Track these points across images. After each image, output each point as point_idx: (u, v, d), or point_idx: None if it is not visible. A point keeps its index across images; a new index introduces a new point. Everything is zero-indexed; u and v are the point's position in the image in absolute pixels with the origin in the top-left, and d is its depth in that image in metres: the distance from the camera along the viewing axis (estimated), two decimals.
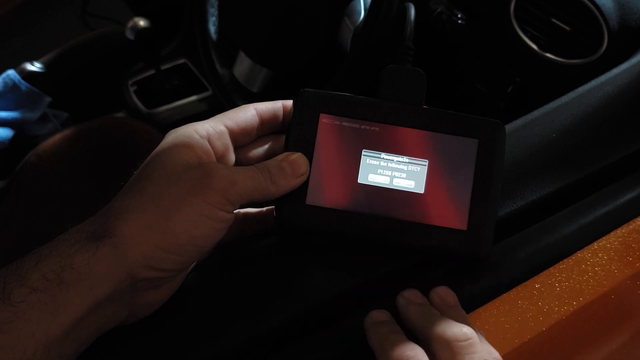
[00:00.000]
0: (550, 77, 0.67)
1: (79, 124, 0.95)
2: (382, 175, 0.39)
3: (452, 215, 0.39)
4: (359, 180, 0.39)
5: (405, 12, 0.47)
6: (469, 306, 0.40)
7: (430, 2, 0.70)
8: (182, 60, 1.14)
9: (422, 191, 0.39)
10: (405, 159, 0.40)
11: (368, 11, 0.64)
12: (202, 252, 0.36)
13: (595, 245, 0.43)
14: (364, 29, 0.64)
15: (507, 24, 0.68)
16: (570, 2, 0.64)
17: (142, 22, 1.03)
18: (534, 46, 0.67)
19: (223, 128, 0.39)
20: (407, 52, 0.44)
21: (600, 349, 0.40)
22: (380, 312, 0.37)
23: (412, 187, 0.39)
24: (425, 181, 0.39)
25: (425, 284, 0.41)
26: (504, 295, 0.41)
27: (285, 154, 0.39)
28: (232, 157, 0.40)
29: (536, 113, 0.47)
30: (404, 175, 0.39)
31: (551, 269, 0.41)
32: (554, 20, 0.65)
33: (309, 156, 0.39)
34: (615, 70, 0.50)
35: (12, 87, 0.95)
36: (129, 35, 1.03)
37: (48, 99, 0.98)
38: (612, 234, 0.44)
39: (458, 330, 0.34)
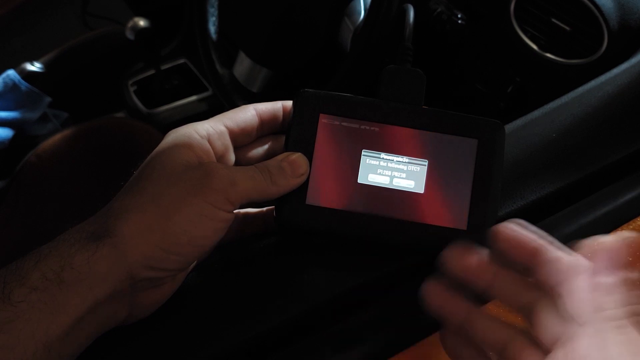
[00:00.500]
0: (550, 77, 0.67)
1: (79, 124, 0.95)
2: (382, 175, 0.39)
3: (452, 215, 0.39)
4: (359, 180, 0.39)
5: (405, 13, 0.47)
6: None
7: (430, 2, 0.70)
8: (182, 60, 1.14)
9: (422, 191, 0.39)
10: (405, 159, 0.40)
11: (368, 11, 0.64)
12: (202, 252, 0.36)
13: None
14: (364, 29, 0.64)
15: (507, 24, 0.68)
16: (570, 2, 0.64)
17: (142, 22, 1.03)
18: (534, 46, 0.67)
19: (223, 128, 0.39)
20: (406, 52, 0.44)
21: None
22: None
23: (411, 187, 0.39)
24: (425, 181, 0.39)
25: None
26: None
27: (285, 154, 0.39)
28: (232, 157, 0.40)
29: (536, 113, 0.47)
30: (403, 175, 0.39)
31: None
32: (554, 20, 0.65)
33: (309, 156, 0.39)
34: (615, 70, 0.50)
35: (12, 87, 0.95)
36: (129, 35, 1.03)
37: (48, 99, 0.98)
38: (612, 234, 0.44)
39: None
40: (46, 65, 1.03)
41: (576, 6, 0.64)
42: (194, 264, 0.40)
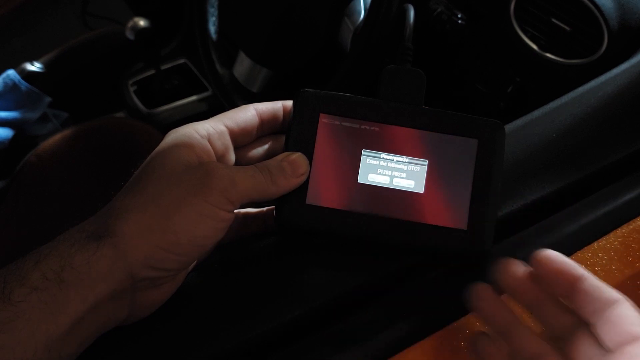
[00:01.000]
0: (550, 77, 0.67)
1: (79, 124, 0.95)
2: (382, 175, 0.39)
3: (451, 214, 0.39)
4: (359, 180, 0.39)
5: (405, 13, 0.47)
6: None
7: (430, 2, 0.70)
8: (182, 60, 1.14)
9: (422, 191, 0.39)
10: (405, 158, 0.40)
11: (368, 11, 0.64)
12: (202, 251, 0.36)
13: (595, 245, 0.43)
14: (364, 29, 0.64)
15: (507, 24, 0.68)
16: (570, 2, 0.64)
17: (142, 22, 1.03)
18: (534, 46, 0.67)
19: (223, 128, 0.39)
20: (406, 52, 0.44)
21: None
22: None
23: (412, 186, 0.39)
24: (425, 181, 0.39)
25: (425, 284, 0.41)
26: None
27: (285, 153, 0.39)
28: (232, 157, 0.40)
29: (536, 113, 0.47)
30: (403, 175, 0.39)
31: None
32: (554, 20, 0.65)
33: (309, 156, 0.39)
34: (615, 70, 0.50)
35: (12, 87, 0.95)
36: (129, 35, 1.03)
37: (48, 99, 0.98)
38: (612, 234, 0.44)
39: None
40: (46, 65, 1.03)
41: (576, 6, 0.64)
42: (194, 263, 0.40)
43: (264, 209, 0.44)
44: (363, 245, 0.40)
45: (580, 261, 0.43)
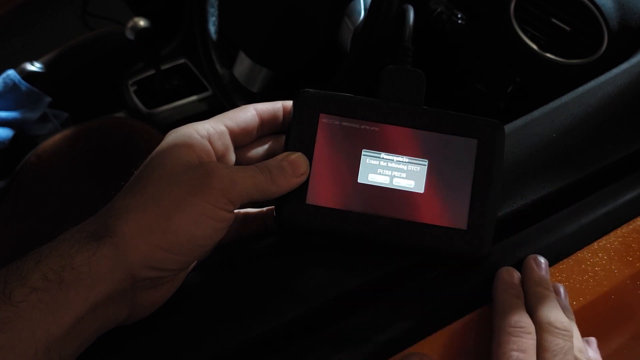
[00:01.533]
0: (550, 77, 0.67)
1: (79, 124, 0.95)
2: (382, 175, 0.39)
3: (451, 214, 0.39)
4: (359, 180, 0.39)
5: (405, 13, 0.47)
6: (469, 306, 0.40)
7: (430, 2, 0.70)
8: (182, 60, 1.14)
9: (422, 191, 0.39)
10: (405, 158, 0.40)
11: (368, 11, 0.64)
12: (202, 251, 0.36)
13: (595, 245, 0.43)
14: (364, 29, 0.64)
15: (507, 24, 0.68)
16: (570, 2, 0.64)
17: (142, 22, 1.03)
18: (534, 46, 0.67)
19: (223, 128, 0.39)
20: (406, 52, 0.44)
21: (600, 349, 0.40)
22: (511, 273, 0.40)
23: (411, 186, 0.39)
24: (425, 181, 0.39)
25: (425, 284, 0.41)
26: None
27: (285, 153, 0.39)
28: (232, 157, 0.40)
29: (536, 113, 0.47)
30: (403, 175, 0.39)
31: (551, 269, 0.41)
32: (554, 20, 0.65)
33: (309, 156, 0.39)
34: (615, 70, 0.50)
35: (12, 87, 0.95)
36: (129, 35, 1.03)
37: (48, 99, 0.98)
38: (612, 234, 0.44)
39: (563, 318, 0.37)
40: (46, 65, 1.03)
41: (576, 6, 0.64)
42: (194, 263, 0.40)
43: (264, 209, 0.44)
44: (363, 245, 0.40)
45: (580, 261, 0.43)
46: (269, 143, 0.42)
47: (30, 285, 0.31)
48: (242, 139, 0.40)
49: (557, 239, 0.43)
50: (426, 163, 0.39)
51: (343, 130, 0.40)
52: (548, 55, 0.67)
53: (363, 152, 0.40)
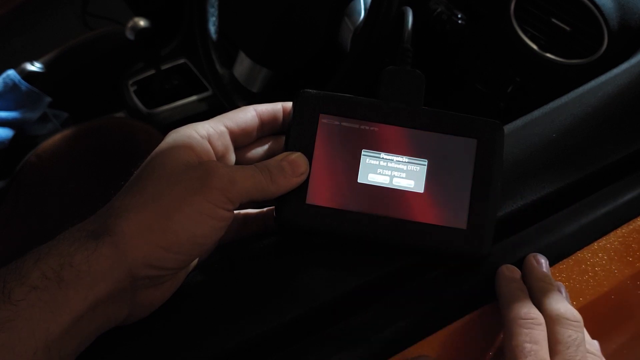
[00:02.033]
0: (550, 77, 0.67)
1: (79, 124, 0.95)
2: (382, 174, 0.39)
3: (451, 214, 0.39)
4: (359, 180, 0.39)
5: (403, 16, 0.47)
6: (469, 306, 0.40)
7: (430, 2, 0.70)
8: (182, 60, 1.14)
9: (421, 190, 0.39)
10: (404, 158, 0.40)
11: (368, 11, 0.64)
12: (202, 250, 0.36)
13: (595, 245, 0.43)
14: (364, 29, 0.64)
15: (507, 24, 0.68)
16: (570, 2, 0.64)
17: (142, 22, 1.03)
18: (534, 46, 0.67)
19: (223, 128, 0.39)
20: (406, 53, 0.44)
21: (601, 349, 0.40)
22: (512, 270, 0.41)
23: (411, 186, 0.39)
24: (425, 181, 0.39)
25: (425, 284, 0.41)
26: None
27: (285, 153, 0.39)
28: (232, 158, 0.40)
29: (536, 113, 0.47)
30: (403, 174, 0.39)
31: (551, 269, 0.41)
32: (554, 20, 0.65)
33: (309, 156, 0.39)
34: (615, 70, 0.50)
35: (12, 87, 0.95)
36: (129, 35, 1.03)
37: (48, 99, 0.98)
38: (612, 234, 0.44)
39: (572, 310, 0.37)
40: (46, 65, 1.03)
41: (576, 6, 0.64)
42: (195, 263, 0.40)
43: (264, 209, 0.44)
44: (363, 245, 0.40)
45: (580, 261, 0.43)
46: (269, 144, 0.42)
47: (30, 284, 0.31)
48: (242, 140, 0.40)
49: (557, 239, 0.43)
50: (426, 163, 0.39)
51: (343, 130, 0.40)
52: (548, 55, 0.67)
53: (363, 152, 0.40)
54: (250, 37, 0.80)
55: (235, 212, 0.37)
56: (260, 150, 0.42)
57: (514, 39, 0.68)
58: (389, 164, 0.39)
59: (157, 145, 0.37)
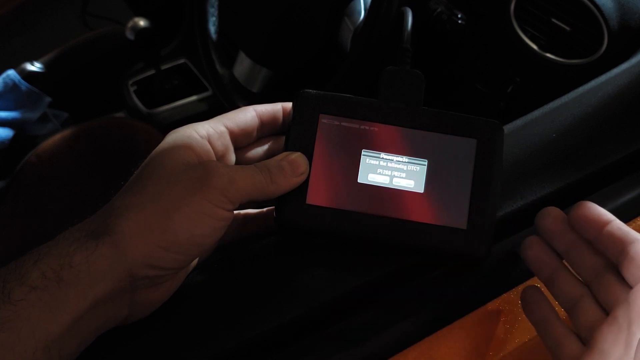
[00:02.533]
0: (550, 77, 0.67)
1: (79, 124, 0.95)
2: (382, 174, 0.39)
3: (451, 214, 0.39)
4: (359, 180, 0.39)
5: (403, 16, 0.47)
6: (468, 306, 0.40)
7: (430, 2, 0.70)
8: (182, 60, 1.14)
9: (421, 190, 0.39)
10: (404, 158, 0.40)
11: (368, 11, 0.64)
12: (202, 250, 0.36)
13: None
14: (364, 29, 0.64)
15: (507, 24, 0.68)
16: (570, 2, 0.64)
17: (142, 22, 1.03)
18: (534, 46, 0.67)
19: (223, 129, 0.39)
20: (405, 53, 0.44)
21: None
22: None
23: (411, 186, 0.39)
24: (425, 181, 0.39)
25: (425, 284, 0.41)
26: (504, 295, 0.41)
27: (285, 153, 0.39)
28: (232, 158, 0.40)
29: (536, 113, 0.47)
30: (403, 174, 0.39)
31: None
32: (554, 20, 0.65)
33: (309, 156, 0.39)
34: (615, 70, 0.50)
35: (12, 87, 0.95)
36: (129, 35, 1.03)
37: (48, 99, 0.98)
38: None
39: None
40: (46, 65, 1.03)
41: (576, 6, 0.64)
42: (195, 263, 0.40)
43: (264, 209, 0.44)
44: (363, 245, 0.40)
45: None
46: (269, 144, 0.42)
47: (29, 284, 0.31)
48: (242, 140, 0.41)
49: None
50: (426, 163, 0.39)
51: (343, 130, 0.40)
52: (548, 55, 0.67)
53: (363, 152, 0.40)
54: (250, 37, 0.80)
55: (235, 212, 0.37)
56: (260, 150, 0.42)
57: (514, 39, 0.68)
58: (389, 164, 0.39)
59: (157, 145, 0.37)
